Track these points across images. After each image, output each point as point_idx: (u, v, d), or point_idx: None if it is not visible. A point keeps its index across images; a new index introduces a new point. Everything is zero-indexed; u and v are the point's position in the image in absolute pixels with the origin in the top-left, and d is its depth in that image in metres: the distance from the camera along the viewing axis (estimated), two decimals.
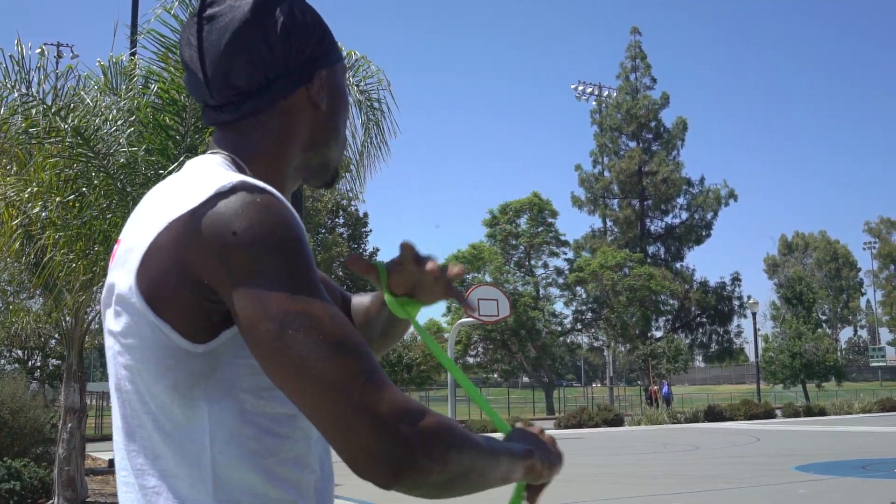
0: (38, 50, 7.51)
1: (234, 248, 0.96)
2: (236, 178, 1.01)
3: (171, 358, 1.01)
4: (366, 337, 1.41)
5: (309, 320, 0.93)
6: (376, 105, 7.60)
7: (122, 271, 1.03)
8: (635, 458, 16.72)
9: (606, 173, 52.34)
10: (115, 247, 1.10)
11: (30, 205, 8.32)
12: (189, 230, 0.98)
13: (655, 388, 37.17)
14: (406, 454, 0.89)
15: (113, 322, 1.05)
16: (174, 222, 0.99)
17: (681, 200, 51.65)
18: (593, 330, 49.03)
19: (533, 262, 47.61)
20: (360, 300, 1.49)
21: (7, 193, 8.62)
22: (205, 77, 1.13)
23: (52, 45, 33.25)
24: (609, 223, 52.68)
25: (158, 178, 7.80)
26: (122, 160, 7.73)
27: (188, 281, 0.98)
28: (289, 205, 1.02)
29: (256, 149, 1.14)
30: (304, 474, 1.07)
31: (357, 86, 7.70)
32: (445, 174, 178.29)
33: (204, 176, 1.04)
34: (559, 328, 47.92)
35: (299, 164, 1.19)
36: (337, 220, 37.14)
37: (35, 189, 8.21)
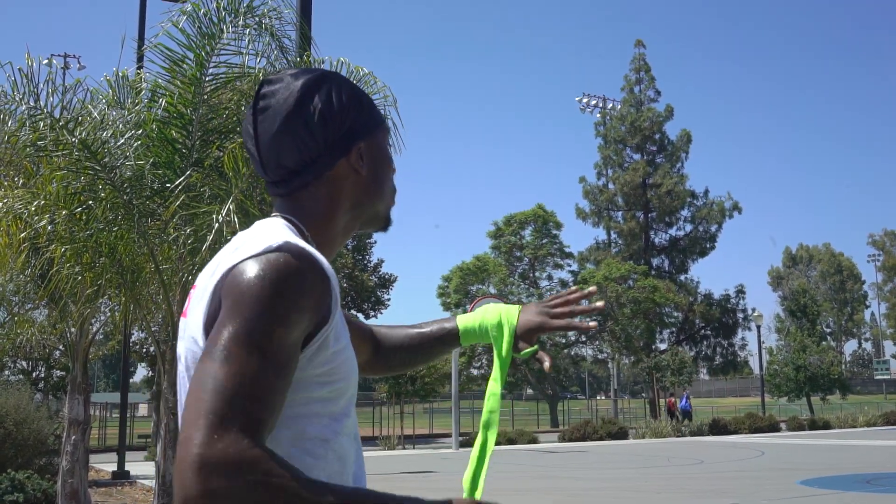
0: (46, 61, 7.56)
1: (233, 290, 1.14)
2: (283, 239, 1.19)
3: None
4: (403, 356, 1.72)
5: (226, 359, 1.07)
6: None
7: (196, 313, 1.21)
8: (639, 471, 16.67)
9: (611, 185, 52.29)
10: (191, 291, 1.29)
11: (36, 217, 8.35)
12: (228, 278, 1.17)
13: (674, 399, 36.57)
14: (191, 496, 0.97)
15: (183, 355, 1.24)
16: (226, 272, 1.18)
17: (685, 213, 51.59)
18: (597, 342, 48.90)
19: (537, 273, 47.59)
20: (402, 331, 1.75)
21: (14, 206, 8.65)
22: (261, 160, 1.36)
23: (59, 56, 33.41)
24: (613, 235, 52.61)
25: (165, 191, 7.83)
26: (128, 173, 7.76)
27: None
28: (318, 263, 1.18)
29: (309, 214, 1.35)
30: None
31: None
32: (450, 186, 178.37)
33: (265, 235, 1.23)
34: (563, 340, 47.82)
35: (351, 220, 1.39)
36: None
37: (42, 202, 8.24)
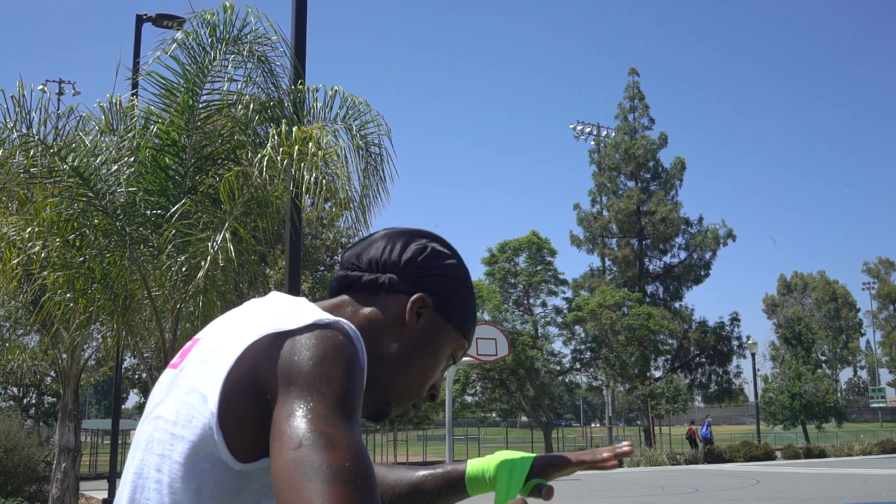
0: (41, 87, 7.59)
1: (293, 369, 1.02)
2: (335, 318, 1.09)
3: (207, 463, 1.05)
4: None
5: (329, 443, 0.97)
6: (375, 150, 7.65)
7: (204, 369, 1.09)
8: (634, 500, 16.58)
9: (605, 213, 52.47)
10: (192, 343, 1.18)
11: (30, 244, 8.34)
12: (272, 346, 1.05)
13: (695, 427, 36.19)
14: None
15: (168, 410, 1.10)
16: (266, 337, 1.07)
17: (679, 240, 51.74)
18: (592, 369, 48.81)
19: (532, 300, 47.56)
20: (404, 472, 1.51)
21: (8, 232, 8.65)
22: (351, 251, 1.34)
23: (54, 82, 33.56)
24: (608, 262, 52.70)
25: (158, 218, 7.84)
26: (121, 200, 7.77)
27: (255, 396, 1.04)
28: (364, 353, 1.10)
29: (352, 318, 1.26)
30: None
31: (358, 132, 7.75)
32: (444, 212, 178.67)
33: (308, 309, 1.13)
34: (558, 367, 47.72)
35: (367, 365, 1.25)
36: (336, 258, 37.20)
37: (35, 228, 8.24)
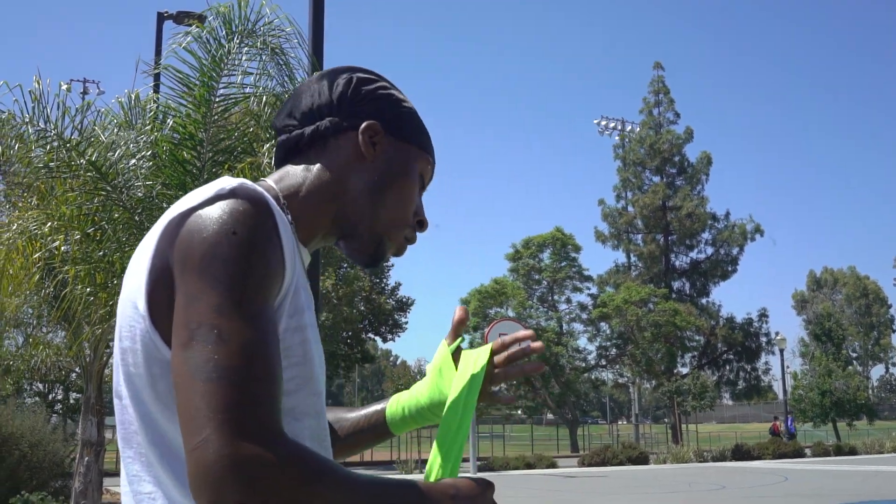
0: (65, 86, 7.63)
1: (192, 249, 0.96)
2: (237, 182, 1.02)
3: (157, 367, 1.01)
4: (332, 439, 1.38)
5: (216, 337, 0.91)
6: None
7: (133, 272, 1.05)
8: (660, 497, 16.45)
9: (630, 208, 52.13)
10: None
11: (50, 238, 8.40)
12: (176, 227, 0.99)
13: (778, 423, 36.04)
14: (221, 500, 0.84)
15: (118, 324, 1.07)
16: (173, 220, 1.01)
17: (706, 235, 51.27)
18: (618, 366, 48.54)
19: (556, 297, 47.38)
20: (341, 414, 1.47)
21: (29, 227, 8.72)
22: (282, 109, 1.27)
23: (78, 81, 33.88)
24: (633, 258, 52.37)
25: None
26: (139, 194, 7.81)
27: (169, 281, 0.99)
28: (275, 219, 1.02)
29: (299, 182, 1.19)
30: None
31: None
32: (468, 208, 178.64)
33: (216, 182, 1.05)
34: (583, 364, 47.50)
35: (337, 215, 1.21)
36: None
37: (56, 223, 8.30)
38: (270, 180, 1.21)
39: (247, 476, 0.84)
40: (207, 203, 1.00)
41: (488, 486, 1.06)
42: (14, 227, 8.37)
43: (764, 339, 50.44)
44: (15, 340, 12.10)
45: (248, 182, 1.04)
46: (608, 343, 47.66)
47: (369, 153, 1.21)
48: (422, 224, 1.29)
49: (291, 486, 0.86)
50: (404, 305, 38.30)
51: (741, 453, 31.87)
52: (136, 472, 1.06)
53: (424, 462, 30.68)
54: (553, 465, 27.69)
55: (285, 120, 1.25)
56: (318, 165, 1.20)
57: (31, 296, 9.81)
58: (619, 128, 54.56)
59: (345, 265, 33.26)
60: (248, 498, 0.84)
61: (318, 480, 0.88)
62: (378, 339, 38.62)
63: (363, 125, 1.21)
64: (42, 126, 7.17)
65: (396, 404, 1.42)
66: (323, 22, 8.77)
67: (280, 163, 1.25)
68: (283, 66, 7.57)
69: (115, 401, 1.10)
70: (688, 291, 51.53)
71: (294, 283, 1.06)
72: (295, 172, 1.21)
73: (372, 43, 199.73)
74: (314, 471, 0.88)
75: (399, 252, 1.28)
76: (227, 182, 1.03)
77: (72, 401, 29.51)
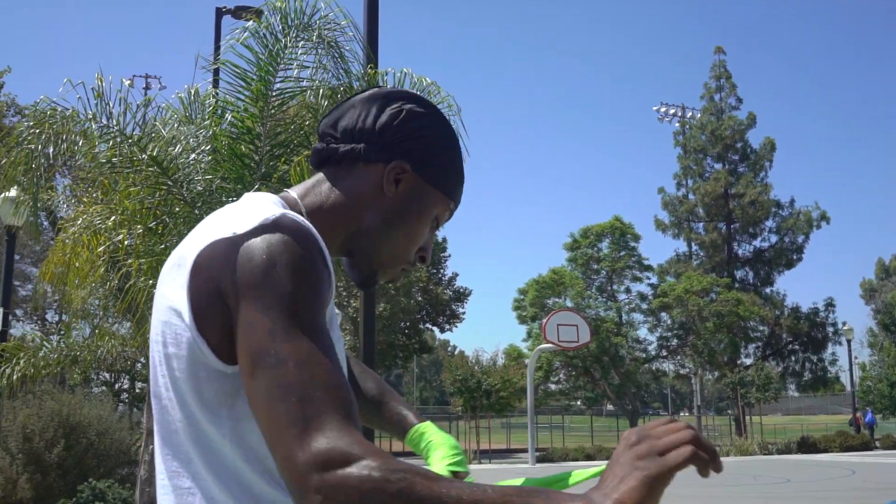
0: (128, 82, 7.78)
1: (244, 279, 1.04)
2: (280, 212, 1.09)
3: (203, 371, 1.09)
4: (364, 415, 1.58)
5: (275, 361, 0.99)
6: None
7: (173, 284, 1.12)
8: (723, 489, 16.21)
9: (691, 196, 51.27)
10: (167, 262, 1.19)
11: (114, 232, 8.59)
12: (226, 255, 1.06)
13: (860, 415, 35.53)
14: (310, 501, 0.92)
15: (158, 330, 1.14)
16: (217, 242, 1.08)
17: (770, 223, 50.17)
18: (679, 357, 47.91)
19: (615, 287, 46.94)
20: (369, 383, 1.60)
21: (93, 221, 8.93)
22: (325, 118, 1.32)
23: (140, 77, 34.55)
24: (694, 247, 51.51)
25: None
26: (199, 188, 7.92)
27: (221, 303, 1.06)
28: (320, 247, 1.09)
29: (322, 198, 1.27)
30: None
31: None
32: (525, 198, 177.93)
33: (255, 208, 1.13)
34: (643, 355, 47.00)
35: (350, 235, 1.28)
36: None
37: (119, 217, 8.48)
38: (296, 193, 1.28)
39: (333, 481, 0.90)
40: (255, 233, 1.06)
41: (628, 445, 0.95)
42: (79, 222, 8.58)
43: (830, 330, 49.21)
44: (82, 331, 12.39)
45: (288, 212, 1.10)
46: (669, 333, 47.07)
47: (390, 190, 1.26)
48: (423, 259, 1.35)
49: (373, 483, 0.90)
50: (462, 296, 38.33)
51: (807, 446, 31.26)
52: (176, 469, 1.13)
53: (484, 452, 30.59)
54: None
55: (328, 129, 1.31)
56: (341, 187, 1.27)
57: (97, 288, 10.05)
58: (680, 114, 53.65)
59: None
60: (343, 499, 0.90)
61: (397, 475, 0.91)
62: (436, 329, 38.74)
63: (392, 164, 1.26)
64: (105, 122, 7.31)
65: (418, 436, 1.49)
66: (378, 14, 8.79)
67: (316, 166, 1.32)
68: (339, 60, 7.60)
69: (154, 401, 1.17)
70: (751, 281, 50.53)
71: (331, 302, 1.14)
72: (320, 189, 1.28)
73: (427, 33, 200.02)
74: (393, 467, 0.92)
75: (392, 281, 1.35)
76: (268, 209, 1.11)
77: (137, 390, 30.25)
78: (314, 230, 1.10)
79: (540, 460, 24.95)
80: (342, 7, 7.54)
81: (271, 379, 0.98)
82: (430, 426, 1.50)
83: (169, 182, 7.76)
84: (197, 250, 1.09)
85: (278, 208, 1.12)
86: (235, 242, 1.06)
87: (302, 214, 1.22)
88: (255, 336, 1.00)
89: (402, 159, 1.26)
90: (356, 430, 0.96)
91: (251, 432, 1.09)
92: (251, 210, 1.12)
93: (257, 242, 1.05)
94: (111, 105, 7.26)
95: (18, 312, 25.87)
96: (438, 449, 1.44)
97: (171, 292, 1.12)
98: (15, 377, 9.08)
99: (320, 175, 1.30)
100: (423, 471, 0.93)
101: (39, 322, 28.48)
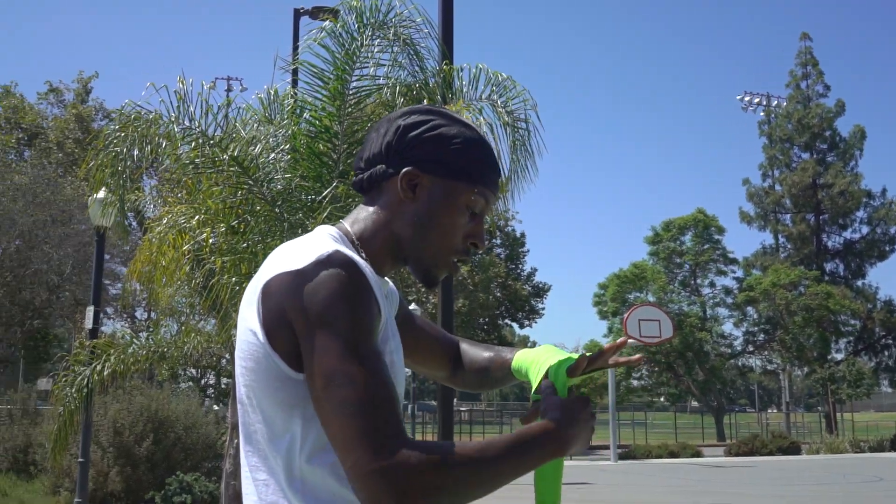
0: (210, 85, 7.94)
1: (309, 310, 1.24)
2: (332, 249, 1.28)
3: (278, 381, 1.29)
4: (474, 378, 1.74)
5: (346, 380, 1.20)
6: (521, 126, 7.54)
7: (250, 310, 1.33)
8: (811, 488, 15.73)
9: (777, 187, 49.85)
10: (246, 291, 1.40)
11: (198, 231, 8.79)
12: (290, 286, 1.26)
13: None
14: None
15: (239, 347, 1.35)
16: (282, 275, 1.28)
17: (860, 214, 48.37)
18: (766, 352, 46.68)
19: (699, 281, 46.00)
20: (479, 353, 1.75)
21: (178, 221, 9.15)
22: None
23: (223, 79, 35.30)
24: (781, 239, 50.06)
25: (314, 203, 8.06)
26: (279, 187, 8.03)
27: (287, 325, 1.26)
28: (366, 278, 1.28)
29: (364, 224, 1.44)
30: None
31: (504, 107, 7.67)
32: (605, 191, 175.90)
33: (313, 244, 1.32)
34: (728, 350, 45.94)
35: (394, 250, 1.44)
36: (494, 240, 37.35)
37: (203, 216, 8.67)
38: (347, 223, 1.46)
39: (393, 481, 1.13)
40: (312, 268, 1.26)
41: (585, 404, 1.37)
42: (164, 222, 8.80)
43: None
44: (170, 329, 12.76)
45: (340, 248, 1.29)
46: (755, 328, 45.91)
47: (407, 196, 1.41)
48: (476, 246, 1.48)
49: (431, 477, 1.15)
50: (541, 291, 38.14)
51: None
52: (255, 464, 1.34)
53: None
54: (698, 455, 26.97)
55: (357, 163, 1.48)
56: (375, 208, 1.44)
57: (183, 286, 10.31)
58: (765, 103, 52.19)
59: (480, 252, 33.42)
60: (401, 498, 1.12)
61: (450, 464, 1.17)
62: (515, 324, 38.62)
63: (401, 173, 1.41)
64: (187, 124, 7.48)
65: (519, 361, 1.63)
66: (452, 10, 8.77)
67: (362, 193, 1.51)
68: (414, 57, 7.61)
69: (239, 406, 1.39)
70: (841, 273, 48.86)
71: (385, 320, 1.33)
72: (362, 216, 1.46)
73: (502, 29, 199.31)
74: (443, 459, 1.17)
75: (452, 273, 1.49)
76: (324, 245, 1.30)
77: (223, 386, 31.00)
78: (361, 262, 1.29)
79: (622, 457, 24.63)
80: (416, 4, 7.55)
81: (343, 397, 1.18)
82: (523, 352, 1.64)
83: (250, 181, 7.88)
84: (264, 281, 1.30)
85: (332, 244, 1.31)
86: (296, 275, 1.26)
87: (354, 243, 1.41)
88: (326, 360, 1.21)
89: (412, 166, 1.40)
90: (407, 438, 1.18)
91: (319, 431, 1.27)
92: (309, 246, 1.31)
93: (316, 278, 1.24)
94: (192, 107, 7.42)
95: (109, 310, 26.78)
96: (534, 365, 1.56)
97: (248, 316, 1.33)
98: (105, 373, 9.36)
99: (360, 207, 1.48)
100: (471, 451, 1.21)
101: (129, 320, 29.42)
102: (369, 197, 1.46)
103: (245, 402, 1.35)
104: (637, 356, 1.59)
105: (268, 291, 1.29)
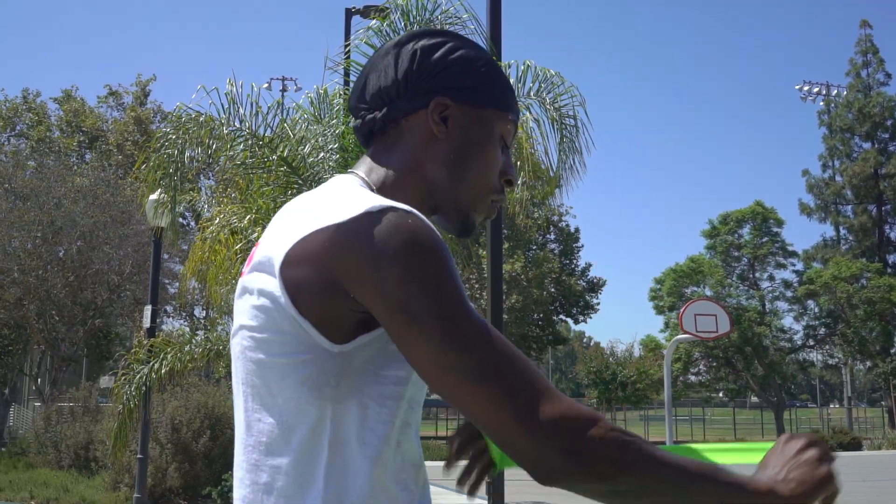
0: (265, 85, 8.07)
1: (387, 265, 0.99)
2: (386, 202, 1.04)
3: (308, 353, 1.05)
4: None
5: (462, 341, 0.98)
6: (570, 122, 7.48)
7: (263, 274, 1.08)
8: (872, 484, 15.36)
9: (838, 178, 48.71)
10: (253, 250, 1.16)
11: (249, 230, 8.91)
12: (338, 243, 1.02)
13: None
14: (561, 464, 0.94)
15: (248, 318, 1.10)
16: (319, 232, 1.03)
17: None
18: (827, 346, 45.67)
19: (758, 274, 45.15)
20: None
21: (230, 221, 9.29)
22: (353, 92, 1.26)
23: (278, 79, 35.69)
24: (843, 231, 48.95)
25: None
26: None
27: (333, 289, 1.03)
28: (433, 227, 1.05)
29: (385, 171, 1.20)
30: (413, 482, 1.12)
31: (552, 104, 7.62)
32: (661, 185, 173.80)
33: (350, 195, 1.08)
34: (788, 345, 45.07)
35: (425, 195, 1.22)
36: (548, 236, 37.14)
37: (254, 216, 8.78)
38: (361, 172, 1.22)
39: (586, 440, 0.94)
40: (368, 218, 1.02)
41: (798, 447, 1.09)
42: (217, 222, 8.93)
43: None
44: (226, 326, 12.98)
45: (391, 202, 1.05)
46: (816, 322, 44.94)
47: (440, 132, 1.20)
48: (510, 183, 1.28)
49: (620, 441, 0.95)
50: (595, 286, 37.80)
51: None
52: (255, 462, 1.10)
53: None
54: None
55: (358, 104, 1.25)
56: (397, 151, 1.21)
57: (236, 285, 10.48)
58: (824, 93, 51.02)
59: (534, 247, 33.26)
60: (600, 466, 0.93)
61: (641, 449, 0.96)
62: (570, 320, 38.38)
63: (431, 104, 1.19)
64: (237, 125, 7.58)
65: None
66: (500, 6, 8.72)
67: (366, 143, 1.27)
68: None
69: (241, 388, 1.14)
70: None
71: None
72: (379, 163, 1.22)
73: (551, 25, 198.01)
74: (635, 441, 0.96)
75: (490, 216, 1.27)
76: (366, 197, 1.06)
77: None
78: (418, 212, 1.06)
79: None
80: (463, 1, 7.54)
81: (469, 359, 0.97)
82: None
83: (299, 181, 7.96)
84: (285, 248, 1.06)
85: (377, 198, 1.07)
86: (344, 229, 1.02)
87: (373, 191, 1.18)
88: (428, 321, 0.98)
89: (438, 94, 1.20)
90: (572, 401, 0.98)
91: (353, 414, 1.06)
92: (346, 199, 1.07)
93: (382, 223, 1.01)
94: (242, 109, 7.52)
95: (168, 309, 27.31)
96: None
97: (265, 279, 1.08)
98: (163, 371, 9.54)
99: (373, 150, 1.24)
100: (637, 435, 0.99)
101: (188, 318, 29.97)
102: (383, 141, 1.22)
103: (254, 383, 1.11)
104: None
105: (294, 255, 1.05)
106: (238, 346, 1.14)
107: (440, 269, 1.00)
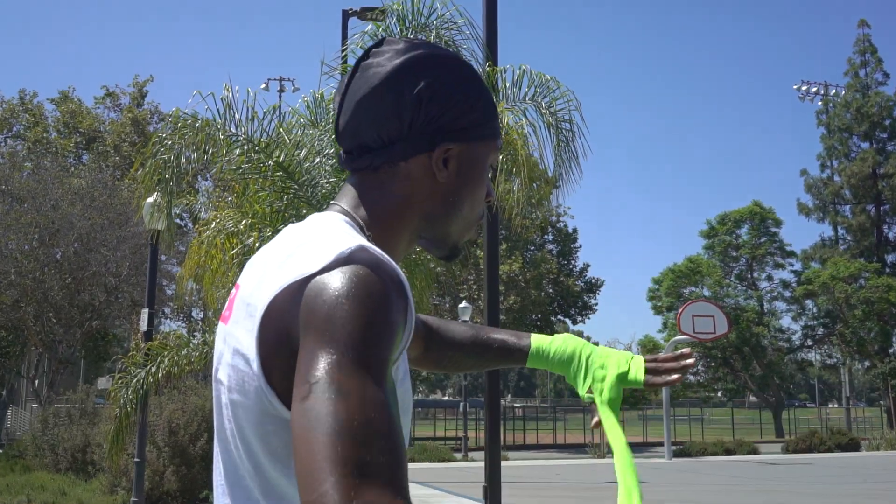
0: (263, 86, 8.14)
1: (318, 310, 0.95)
2: (355, 243, 1.01)
3: (271, 425, 1.02)
4: (465, 357, 1.60)
5: (338, 392, 0.89)
6: (566, 126, 7.48)
7: (243, 327, 1.05)
8: (869, 486, 15.37)
9: (836, 178, 48.70)
10: (234, 291, 1.13)
11: (245, 235, 8.90)
12: (297, 295, 0.99)
13: None
14: None
15: (224, 373, 1.08)
16: (290, 286, 1.00)
17: None
18: (826, 346, 45.72)
19: (756, 274, 45.21)
20: (459, 329, 1.61)
21: (226, 225, 9.27)
22: (336, 123, 1.20)
23: (275, 80, 35.60)
24: (841, 231, 48.96)
25: None
26: (324, 191, 8.09)
27: (289, 349, 0.99)
28: (397, 276, 1.01)
29: (373, 208, 1.18)
30: None
31: (548, 108, 7.62)
32: (658, 185, 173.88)
33: (328, 237, 1.06)
34: (786, 345, 45.11)
35: (416, 231, 1.22)
36: (546, 236, 37.14)
37: (250, 220, 8.77)
38: (347, 206, 1.19)
39: None
40: (328, 270, 0.99)
41: None
42: (213, 226, 8.93)
43: None
44: None
45: (365, 243, 1.03)
46: (814, 322, 44.99)
47: (442, 176, 1.19)
48: (490, 205, 1.31)
49: None
50: (593, 287, 37.83)
51: None
52: None
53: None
54: (754, 452, 26.54)
55: (349, 142, 1.20)
56: (392, 190, 1.18)
57: (232, 288, 10.48)
58: (822, 92, 51.01)
59: (532, 248, 33.26)
60: None
61: None
62: (568, 321, 38.39)
63: (436, 152, 1.17)
64: (232, 130, 7.57)
65: (548, 345, 1.57)
66: (496, 12, 8.72)
67: (351, 172, 1.22)
68: None
69: (218, 443, 1.12)
70: None
71: (408, 336, 1.05)
72: (370, 198, 1.19)
73: (546, 29, 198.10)
74: None
75: (474, 238, 1.32)
76: (343, 240, 1.03)
77: None
78: (394, 263, 1.03)
79: (676, 454, 24.33)
80: (458, 6, 7.54)
81: (330, 408, 0.88)
82: (556, 340, 1.57)
83: (295, 186, 7.95)
84: (270, 295, 1.01)
85: (353, 237, 1.04)
86: (306, 281, 0.99)
87: (363, 230, 1.15)
88: (320, 364, 0.91)
89: (444, 141, 1.17)
90: (403, 488, 0.87)
91: None
92: (325, 242, 1.04)
93: (332, 277, 0.97)
94: (238, 114, 7.51)
95: (166, 310, 27.31)
96: (579, 359, 1.53)
97: (242, 334, 1.05)
98: (160, 375, 9.53)
99: (361, 183, 1.19)
100: None
101: (186, 319, 29.98)
102: (375, 177, 1.18)
103: (227, 440, 1.09)
104: (675, 377, 1.52)
105: (271, 310, 1.01)
106: (215, 395, 1.12)
107: (365, 330, 0.94)
